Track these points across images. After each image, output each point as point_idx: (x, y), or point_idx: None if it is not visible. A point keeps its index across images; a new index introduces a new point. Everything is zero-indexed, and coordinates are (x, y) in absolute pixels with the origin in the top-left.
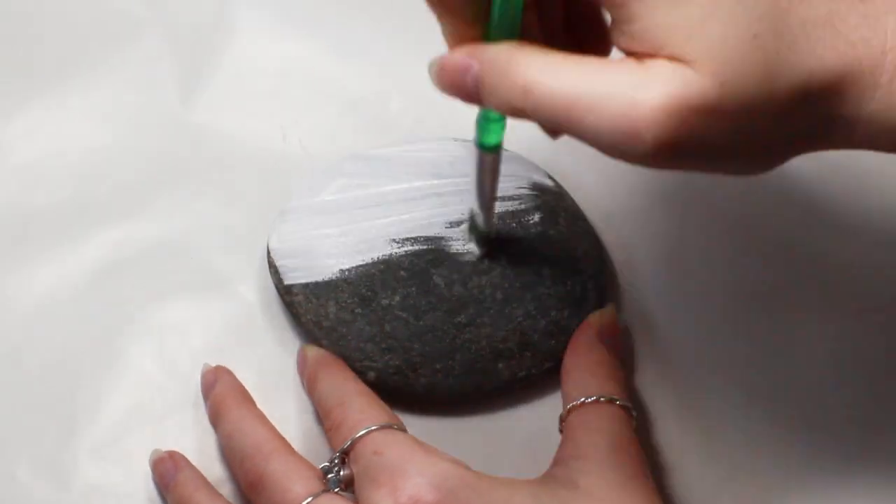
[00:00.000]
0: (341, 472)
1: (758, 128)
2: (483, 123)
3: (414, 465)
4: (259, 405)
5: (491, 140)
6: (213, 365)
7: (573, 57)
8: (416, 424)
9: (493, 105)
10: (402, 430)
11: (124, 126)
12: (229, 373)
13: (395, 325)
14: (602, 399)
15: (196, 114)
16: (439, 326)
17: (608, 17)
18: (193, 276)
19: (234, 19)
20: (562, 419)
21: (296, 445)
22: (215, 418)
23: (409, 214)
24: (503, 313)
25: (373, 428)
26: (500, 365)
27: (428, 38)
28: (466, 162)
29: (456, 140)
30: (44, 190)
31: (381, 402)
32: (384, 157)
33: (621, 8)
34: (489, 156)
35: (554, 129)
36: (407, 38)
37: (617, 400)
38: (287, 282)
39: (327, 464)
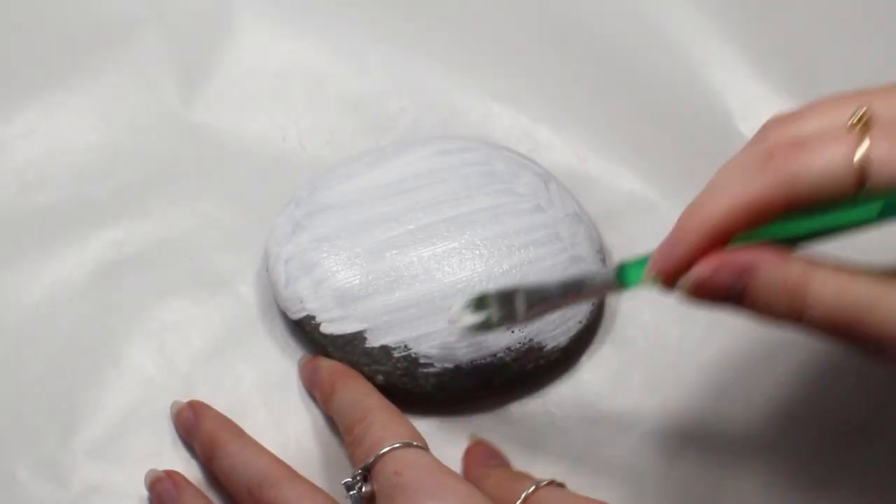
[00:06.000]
0: (363, 489)
1: None
2: (634, 265)
3: (430, 489)
4: (258, 406)
5: (633, 280)
6: (184, 401)
7: (846, 268)
8: (426, 425)
9: (757, 310)
10: (424, 447)
11: (124, 126)
12: (209, 406)
13: None
14: (534, 488)
15: (196, 114)
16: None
17: None
18: (193, 276)
19: (233, 19)
20: None
21: (297, 446)
22: (210, 453)
23: (409, 215)
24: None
25: (396, 445)
26: (508, 359)
27: (428, 38)
28: (459, 165)
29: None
30: (44, 190)
31: (404, 417)
32: (384, 158)
33: None
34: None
35: (823, 336)
36: (407, 38)
37: (543, 482)
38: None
39: (350, 479)
